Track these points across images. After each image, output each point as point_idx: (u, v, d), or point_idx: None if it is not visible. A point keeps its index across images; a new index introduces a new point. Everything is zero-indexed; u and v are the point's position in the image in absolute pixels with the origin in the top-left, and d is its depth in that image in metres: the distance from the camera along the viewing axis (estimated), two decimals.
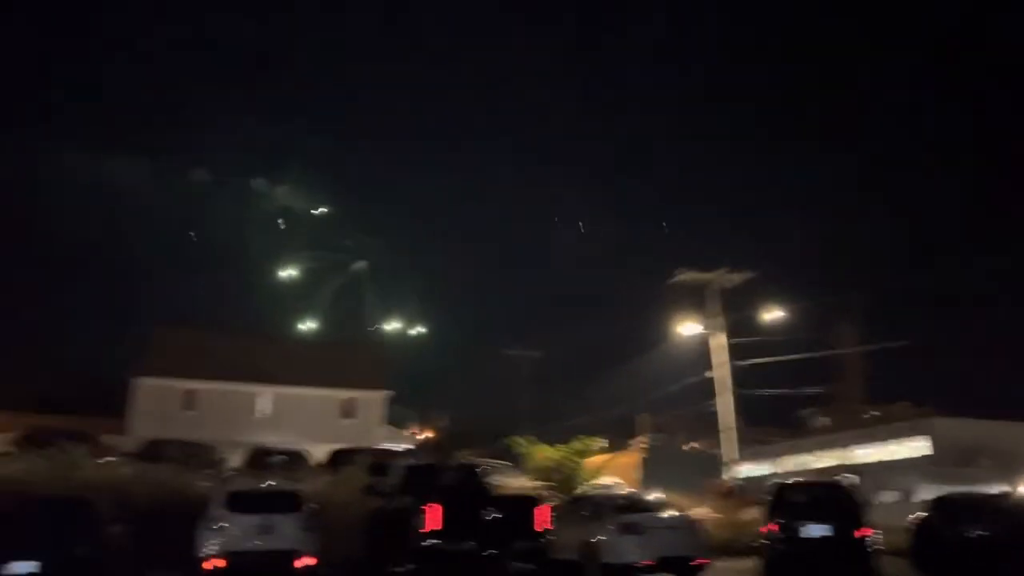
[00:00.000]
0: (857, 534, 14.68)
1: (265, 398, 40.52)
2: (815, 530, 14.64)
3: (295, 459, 24.83)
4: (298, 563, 13.38)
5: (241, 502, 13.83)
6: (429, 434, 73.38)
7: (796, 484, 18.41)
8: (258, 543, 13.36)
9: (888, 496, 44.05)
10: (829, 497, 15.98)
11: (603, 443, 25.95)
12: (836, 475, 38.74)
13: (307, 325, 56.68)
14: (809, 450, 59.64)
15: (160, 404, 37.96)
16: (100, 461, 18.62)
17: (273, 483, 17.20)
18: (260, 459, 24.51)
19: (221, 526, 13.35)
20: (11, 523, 12.32)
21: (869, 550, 14.73)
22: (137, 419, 37.36)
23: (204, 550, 13.25)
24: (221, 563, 13.07)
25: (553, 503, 16.17)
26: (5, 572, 11.33)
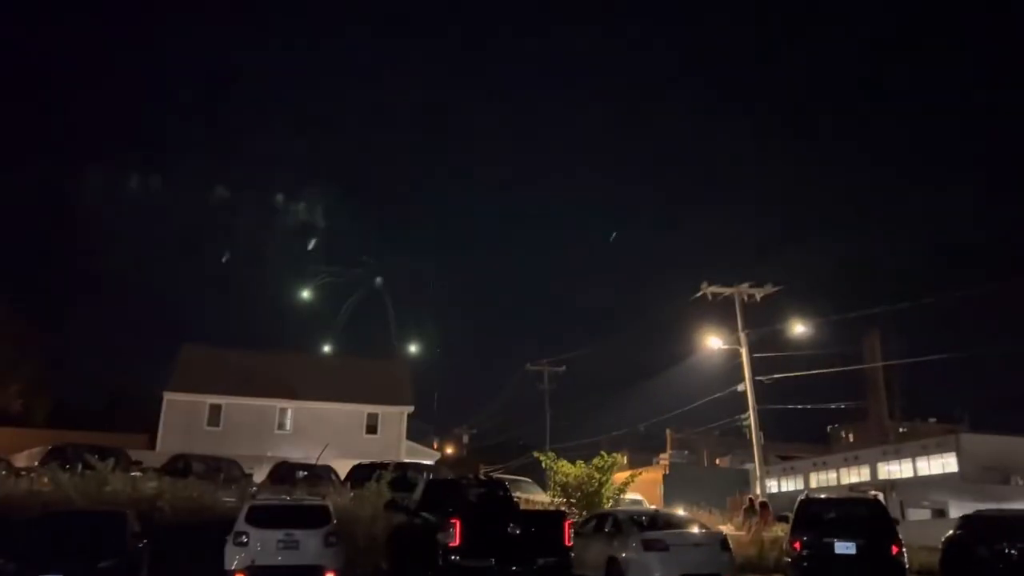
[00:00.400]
0: (891, 551, 14.37)
1: (288, 413, 40.71)
2: (846, 547, 14.36)
3: (318, 474, 24.92)
4: None
5: (265, 517, 13.85)
6: (451, 449, 73.46)
7: (823, 499, 18.15)
8: (281, 558, 13.38)
9: (918, 513, 43.40)
10: (859, 512, 15.69)
11: (622, 459, 25.71)
12: (863, 491, 38.22)
13: (329, 341, 57.02)
14: (836, 466, 59.00)
15: (186, 419, 38.27)
16: (127, 475, 18.77)
17: (296, 498, 17.25)
18: (284, 474, 24.63)
19: (245, 541, 13.38)
20: (37, 536, 12.46)
21: (904, 568, 14.43)
22: (164, 434, 37.69)
23: (229, 565, 13.29)
24: None
25: (572, 519, 16.04)
26: None
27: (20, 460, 27.02)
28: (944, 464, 49.13)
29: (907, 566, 14.73)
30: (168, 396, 38.71)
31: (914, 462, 51.55)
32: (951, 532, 17.11)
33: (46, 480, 17.92)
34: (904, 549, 14.75)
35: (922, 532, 29.63)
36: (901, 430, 71.74)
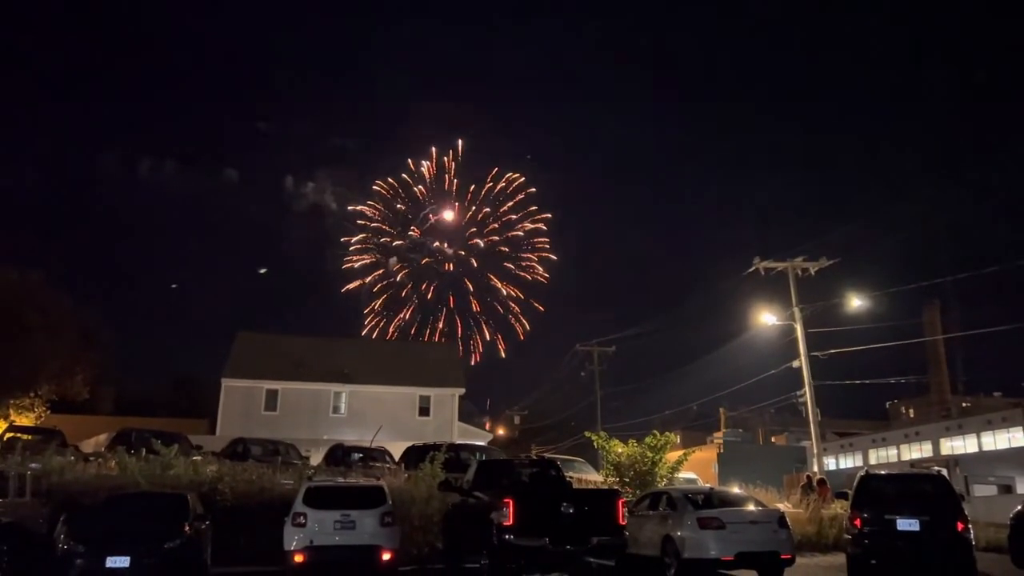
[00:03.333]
0: (956, 528, 13.93)
1: (343, 397, 41.39)
2: (909, 523, 13.96)
3: (373, 456, 25.25)
4: (380, 558, 13.56)
5: (322, 498, 14.08)
6: (503, 430, 73.90)
7: (885, 475, 17.72)
8: (339, 538, 13.60)
9: (984, 489, 42.25)
10: (922, 488, 15.23)
11: (675, 438, 25.41)
12: (926, 467, 37.30)
13: (381, 325, 57.63)
14: (896, 442, 57.72)
15: (244, 404, 39.21)
16: (189, 459, 19.24)
17: (352, 479, 17.49)
18: (339, 456, 25.02)
19: (303, 522, 13.63)
20: (105, 519, 12.86)
21: (970, 544, 13.98)
22: (223, 419, 38.67)
23: (288, 545, 13.57)
24: (303, 557, 13.35)
25: (625, 498, 15.96)
26: (101, 566, 11.81)
27: (88, 446, 27.92)
28: (1010, 439, 47.72)
29: (973, 543, 14.28)
30: (226, 382, 39.68)
31: (979, 437, 50.15)
32: (1019, 508, 16.61)
33: (113, 464, 18.47)
34: (970, 526, 14.30)
35: (988, 508, 28.84)
36: (964, 404, 69.81)
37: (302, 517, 13.68)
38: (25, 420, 36.30)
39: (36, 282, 38.58)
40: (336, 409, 41.15)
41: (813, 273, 31.11)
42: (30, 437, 24.09)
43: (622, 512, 13.61)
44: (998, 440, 48.65)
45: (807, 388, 30.71)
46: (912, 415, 75.06)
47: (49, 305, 38.27)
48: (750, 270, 31.40)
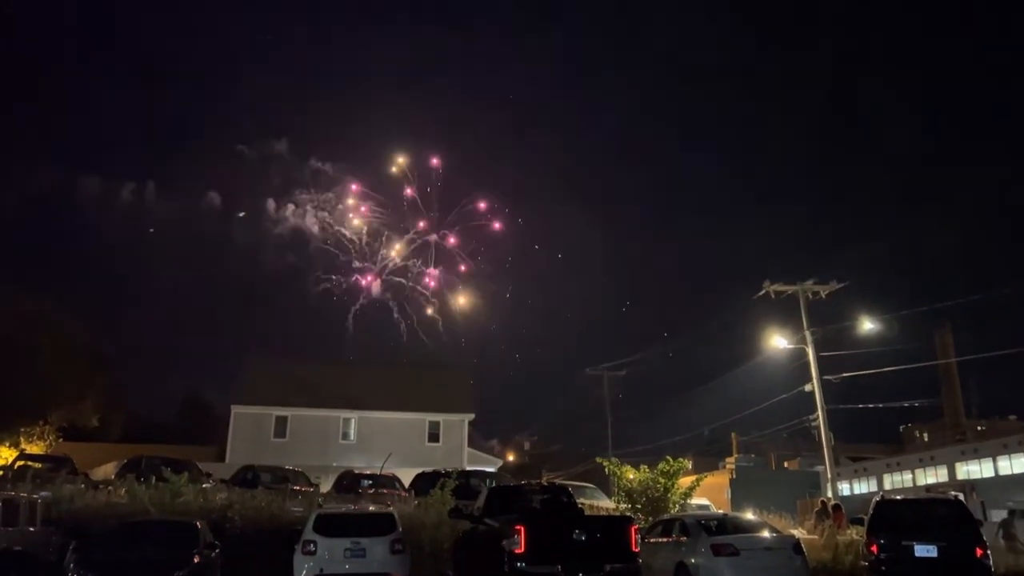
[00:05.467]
0: (975, 553, 13.72)
1: (352, 423, 41.25)
2: (927, 549, 13.76)
3: (383, 482, 25.13)
4: None
5: (332, 525, 14.00)
6: (512, 456, 73.41)
7: (901, 500, 17.52)
8: (349, 566, 13.50)
9: (1001, 514, 41.61)
10: (940, 513, 15.04)
11: (687, 464, 25.19)
12: (941, 492, 36.84)
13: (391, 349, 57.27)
14: (911, 467, 57.08)
15: (253, 431, 39.09)
16: (198, 487, 19.18)
17: (362, 506, 17.40)
18: (349, 483, 24.91)
19: (313, 549, 13.54)
20: (116, 547, 12.80)
21: (989, 570, 13.76)
22: (232, 446, 38.56)
23: (298, 573, 13.46)
24: None
25: (638, 524, 15.80)
26: None
27: (98, 474, 27.90)
28: None
29: (992, 569, 14.06)
30: (235, 409, 39.62)
31: (995, 461, 49.57)
32: None
33: (122, 492, 18.44)
34: (989, 551, 14.09)
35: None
36: (979, 428, 69.12)
37: (312, 545, 13.61)
38: (35, 448, 36.33)
39: (46, 308, 38.80)
40: (345, 435, 41.00)
41: (824, 296, 31.01)
42: (40, 465, 24.11)
43: (635, 539, 13.47)
44: (1015, 464, 48.06)
45: (820, 412, 30.45)
46: (926, 439, 74.31)
47: (59, 332, 38.45)
48: (760, 293, 31.30)
